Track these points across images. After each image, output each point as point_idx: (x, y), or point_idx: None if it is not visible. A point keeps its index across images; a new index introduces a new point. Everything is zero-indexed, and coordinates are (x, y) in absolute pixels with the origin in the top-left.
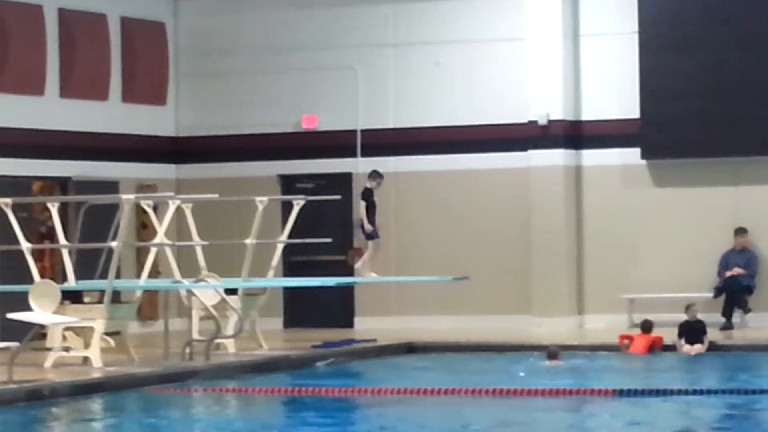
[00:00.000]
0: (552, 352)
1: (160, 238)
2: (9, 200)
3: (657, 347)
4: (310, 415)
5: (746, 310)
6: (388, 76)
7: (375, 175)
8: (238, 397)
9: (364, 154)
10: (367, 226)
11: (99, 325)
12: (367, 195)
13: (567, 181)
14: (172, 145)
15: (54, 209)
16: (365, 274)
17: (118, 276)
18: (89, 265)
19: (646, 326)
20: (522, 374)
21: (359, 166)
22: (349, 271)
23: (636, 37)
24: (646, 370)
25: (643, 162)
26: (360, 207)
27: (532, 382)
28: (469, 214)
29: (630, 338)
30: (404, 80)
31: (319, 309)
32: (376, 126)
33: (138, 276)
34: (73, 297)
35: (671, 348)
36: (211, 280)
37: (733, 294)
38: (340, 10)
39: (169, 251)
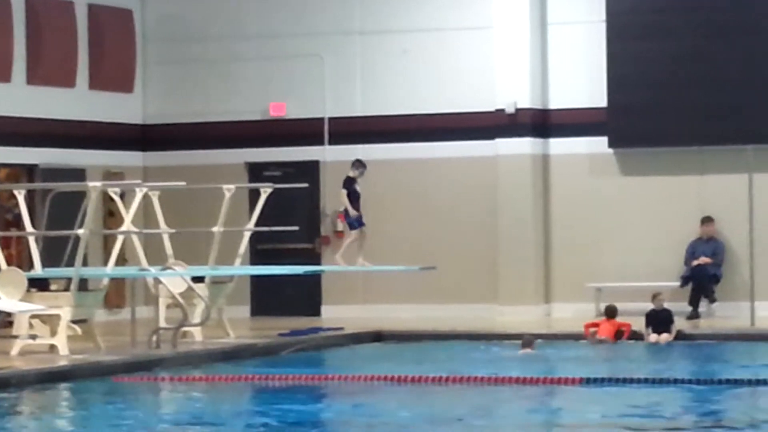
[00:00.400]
0: (527, 340)
1: (127, 225)
2: None
3: (625, 333)
4: (277, 403)
5: (712, 300)
6: (356, 64)
7: (357, 164)
8: (204, 385)
9: (331, 142)
10: (353, 212)
11: (66, 313)
12: (349, 184)
13: (534, 169)
14: (139, 132)
15: (21, 196)
16: (340, 263)
17: (84, 264)
18: (56, 252)
19: (610, 311)
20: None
21: (327, 154)
22: (317, 259)
23: (603, 26)
24: (612, 358)
25: (611, 151)
26: (342, 196)
27: (500, 370)
28: (437, 202)
29: (596, 325)
30: (372, 68)
31: (286, 297)
32: (344, 114)
33: (105, 264)
34: (39, 285)
35: (639, 337)
36: (178, 267)
37: (700, 283)
38: None
39: (136, 239)
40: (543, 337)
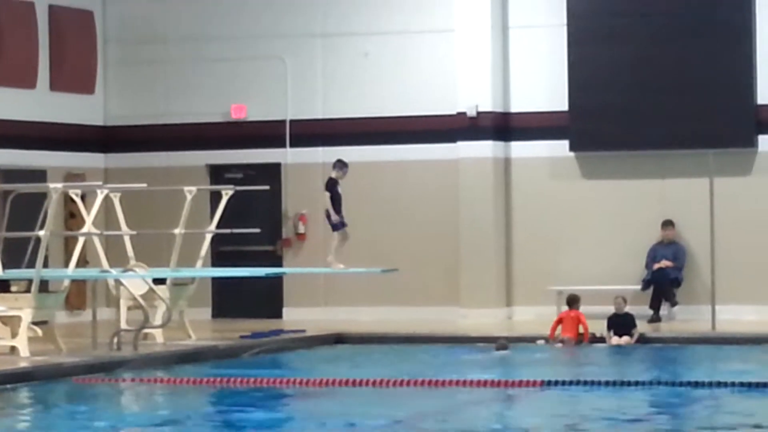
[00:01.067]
0: (501, 344)
1: (88, 227)
2: None
3: (585, 336)
4: (238, 405)
5: (673, 303)
6: (317, 67)
7: (339, 164)
8: (166, 387)
9: (292, 145)
10: (334, 217)
11: (26, 315)
12: (331, 185)
13: (496, 172)
14: (100, 134)
15: None
16: (334, 266)
17: (45, 265)
18: (17, 254)
19: (571, 300)
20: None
21: (288, 156)
22: (278, 262)
23: (565, 30)
24: (574, 362)
25: (572, 154)
26: (325, 198)
27: (461, 373)
28: (398, 205)
29: (560, 321)
30: (333, 71)
31: (247, 299)
32: (305, 116)
33: (66, 265)
34: (0, 286)
35: (600, 340)
36: (139, 269)
37: (661, 286)
38: (269, 0)
39: (97, 240)
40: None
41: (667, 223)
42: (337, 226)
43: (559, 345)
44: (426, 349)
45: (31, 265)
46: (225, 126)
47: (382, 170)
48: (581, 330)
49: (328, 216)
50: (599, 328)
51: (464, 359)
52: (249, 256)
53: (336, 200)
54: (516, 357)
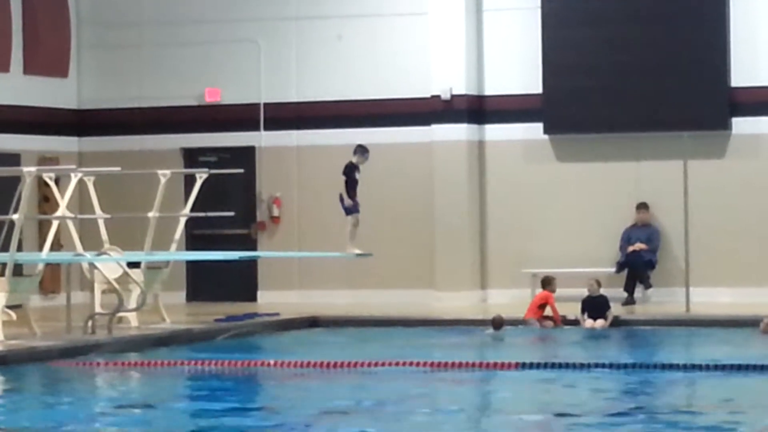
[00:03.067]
0: (497, 321)
1: (62, 211)
2: None
3: (556, 320)
4: (212, 388)
5: (648, 286)
6: (291, 50)
7: (361, 150)
8: (140, 371)
9: (266, 128)
10: (347, 201)
11: (0, 299)
12: (350, 170)
13: (470, 155)
14: (74, 117)
15: None
16: (349, 250)
17: (19, 249)
18: None
19: (545, 281)
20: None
21: (262, 139)
22: (253, 245)
23: (539, 12)
24: (548, 344)
25: (546, 137)
26: (341, 181)
27: (436, 355)
28: (373, 188)
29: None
30: (307, 54)
31: (222, 283)
32: (279, 99)
33: (40, 249)
34: None
35: (575, 323)
36: (113, 253)
37: (635, 269)
38: None
39: (71, 224)
40: (480, 323)
41: (642, 206)
42: (351, 210)
43: (549, 324)
44: (401, 332)
45: (5, 249)
46: (199, 109)
47: None
48: (549, 312)
49: (342, 199)
50: (573, 310)
51: (439, 342)
52: (223, 239)
53: (352, 185)
54: (491, 339)
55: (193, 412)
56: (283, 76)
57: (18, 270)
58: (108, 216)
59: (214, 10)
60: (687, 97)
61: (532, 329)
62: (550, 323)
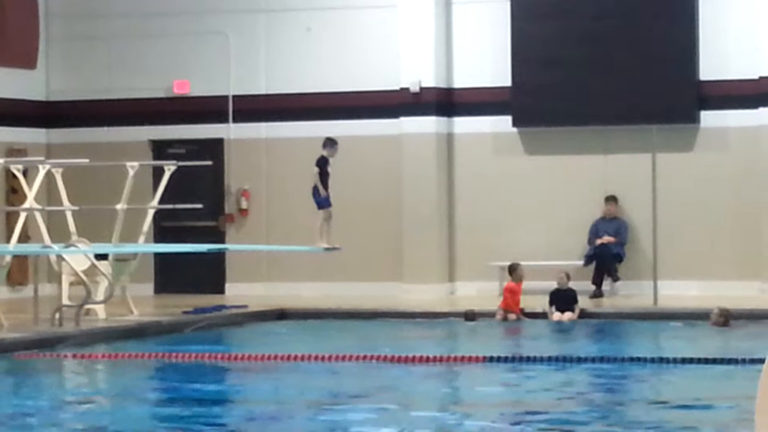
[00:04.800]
0: (470, 314)
1: (29, 202)
2: None
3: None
4: (180, 381)
5: (616, 279)
6: (260, 42)
7: (330, 142)
8: (108, 363)
9: (235, 120)
10: (323, 193)
11: None
12: (322, 163)
13: (439, 148)
14: (42, 109)
15: None
16: (318, 244)
17: None
18: None
19: (511, 269)
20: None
21: (231, 131)
22: (221, 237)
23: (508, 5)
24: (516, 337)
25: (515, 130)
26: (314, 175)
27: (403, 348)
28: (341, 180)
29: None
30: (276, 46)
31: (190, 275)
32: (248, 92)
33: (7, 241)
34: None
35: (542, 315)
36: (81, 245)
37: (603, 262)
38: None
39: (39, 216)
40: (447, 315)
41: (610, 199)
42: (323, 203)
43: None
44: (369, 324)
45: None
46: (168, 101)
47: None
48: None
49: (314, 193)
50: (542, 303)
51: (407, 335)
52: (191, 231)
53: (324, 178)
54: (459, 331)
55: (160, 404)
56: (252, 68)
57: None
58: (76, 208)
59: (184, 2)
60: (656, 91)
61: (501, 323)
62: (512, 315)
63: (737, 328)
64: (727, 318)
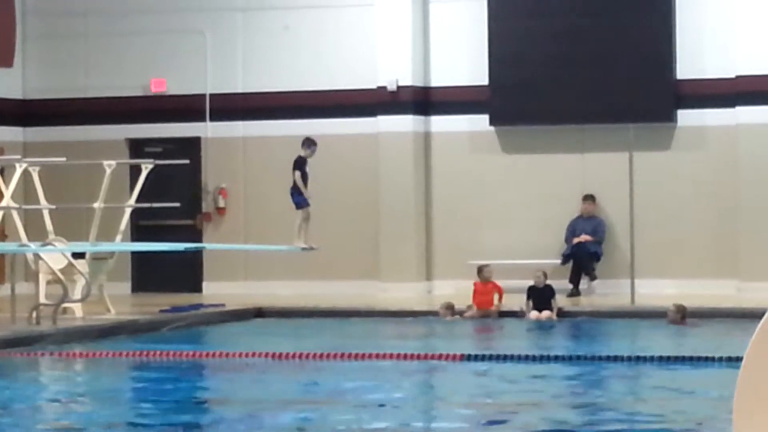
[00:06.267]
0: (448, 306)
1: (6, 201)
2: None
3: (500, 296)
4: (158, 379)
5: (593, 277)
6: (237, 41)
7: (309, 142)
8: (85, 362)
9: (212, 119)
10: (307, 194)
11: None
12: (301, 163)
13: (416, 147)
14: (19, 107)
15: None
16: (296, 244)
17: None
18: None
19: (479, 269)
20: None
21: (208, 130)
22: (198, 236)
23: (485, 4)
24: (494, 335)
25: (492, 128)
26: (295, 176)
27: (381, 346)
28: (318, 179)
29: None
30: (253, 45)
31: (167, 274)
32: (225, 90)
33: None
34: None
35: (520, 315)
36: (58, 243)
37: (581, 261)
38: None
39: (15, 215)
40: (423, 314)
41: (588, 197)
42: (302, 203)
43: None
44: (346, 323)
45: None
46: (145, 100)
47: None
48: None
49: (293, 193)
50: (519, 302)
51: (384, 333)
52: (169, 230)
53: (304, 178)
54: (437, 329)
55: (137, 403)
56: (229, 66)
57: None
58: (53, 206)
59: (161, 0)
60: (633, 89)
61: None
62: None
63: (713, 326)
64: (683, 314)
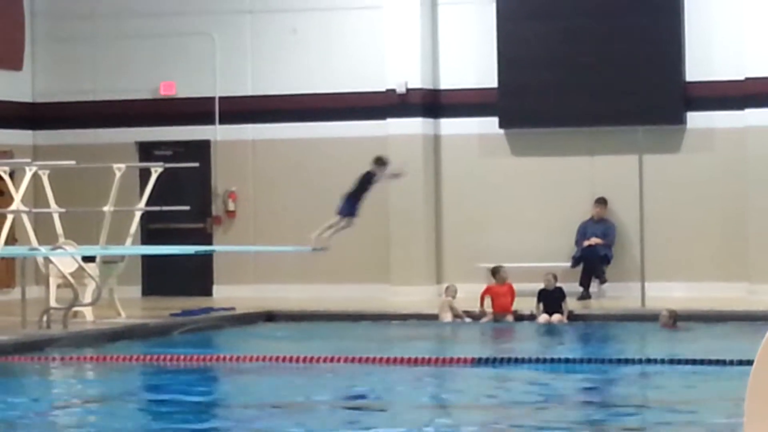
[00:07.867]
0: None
1: (16, 204)
2: None
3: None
4: (169, 383)
5: (603, 280)
6: (246, 43)
7: (379, 161)
8: (96, 366)
9: (222, 122)
10: (357, 204)
11: None
12: (367, 177)
13: (425, 150)
14: (29, 110)
15: None
16: (312, 236)
17: None
18: None
19: (494, 270)
20: None
21: (217, 133)
22: (208, 239)
23: (494, 6)
24: (505, 339)
25: (501, 131)
26: (357, 185)
27: (392, 350)
28: (328, 182)
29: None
30: (262, 47)
31: (177, 277)
32: (234, 93)
33: None
34: None
35: (532, 318)
36: (68, 247)
37: (591, 264)
38: None
39: (26, 218)
40: (434, 317)
41: (600, 201)
42: (345, 212)
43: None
44: (356, 326)
45: None
46: (154, 103)
47: (311, 147)
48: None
49: (347, 199)
50: (530, 305)
51: (395, 336)
52: (179, 233)
53: (364, 192)
54: (447, 333)
55: (148, 406)
56: (238, 69)
57: None
58: (63, 210)
59: (169, 3)
60: (642, 92)
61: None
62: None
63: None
64: (675, 319)
